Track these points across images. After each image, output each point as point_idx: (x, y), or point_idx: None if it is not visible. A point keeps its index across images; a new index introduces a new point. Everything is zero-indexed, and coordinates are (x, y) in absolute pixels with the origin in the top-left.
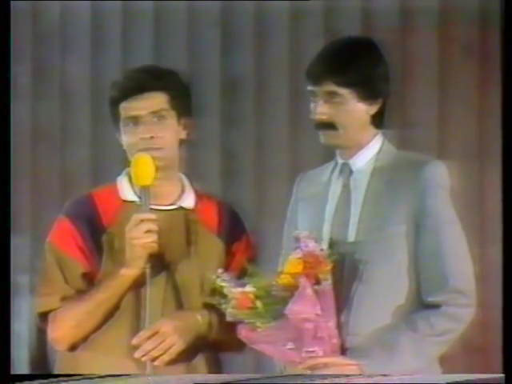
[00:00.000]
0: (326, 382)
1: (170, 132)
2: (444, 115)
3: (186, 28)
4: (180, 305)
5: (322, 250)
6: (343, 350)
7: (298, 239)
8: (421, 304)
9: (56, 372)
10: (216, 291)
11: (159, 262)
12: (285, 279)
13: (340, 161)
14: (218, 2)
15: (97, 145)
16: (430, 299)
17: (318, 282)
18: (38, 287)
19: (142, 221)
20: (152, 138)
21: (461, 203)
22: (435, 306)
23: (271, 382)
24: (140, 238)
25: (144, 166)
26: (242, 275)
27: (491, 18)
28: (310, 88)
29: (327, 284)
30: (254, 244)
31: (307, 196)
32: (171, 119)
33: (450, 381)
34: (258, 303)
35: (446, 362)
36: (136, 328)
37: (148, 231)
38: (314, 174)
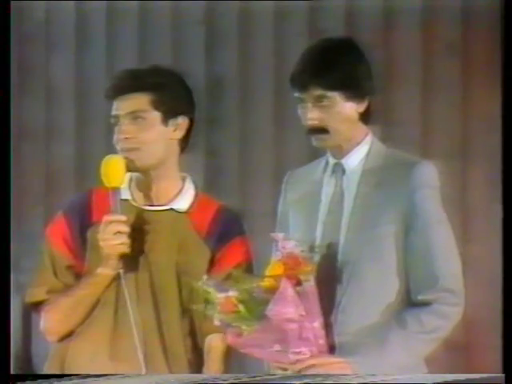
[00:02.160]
0: (323, 382)
1: (150, 133)
2: (427, 114)
3: (171, 27)
4: (156, 305)
5: (302, 251)
6: (332, 349)
7: (276, 241)
8: (410, 303)
9: (47, 364)
10: (200, 297)
11: (139, 262)
12: (267, 282)
13: (332, 160)
14: (202, 1)
15: (82, 144)
16: (420, 297)
17: (299, 283)
18: (32, 278)
19: (111, 222)
20: (126, 138)
21: (443, 201)
22: (425, 304)
23: (269, 383)
24: (108, 240)
25: (113, 168)
26: (226, 281)
27: (474, 17)
28: (296, 95)
29: (309, 285)
30: (247, 249)
31: (298, 196)
32: (153, 120)
33: (449, 380)
34: (241, 307)
35: (431, 360)
36: (115, 325)
37: (117, 233)
38: (304, 173)
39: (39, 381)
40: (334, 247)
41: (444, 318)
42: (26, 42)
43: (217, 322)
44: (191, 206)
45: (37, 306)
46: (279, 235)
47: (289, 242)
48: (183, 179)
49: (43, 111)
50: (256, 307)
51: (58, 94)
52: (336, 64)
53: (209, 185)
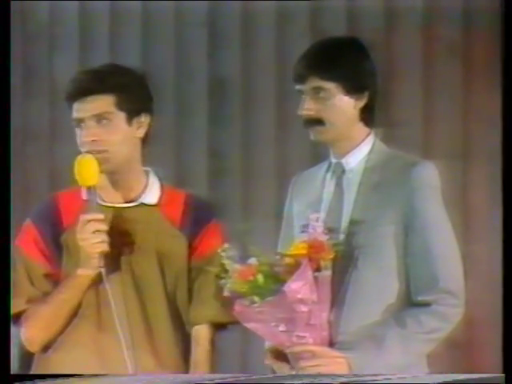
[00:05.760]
0: (322, 382)
1: (116, 134)
2: (428, 114)
3: (173, 28)
4: (141, 300)
5: (329, 238)
6: (331, 345)
7: (310, 220)
8: (410, 303)
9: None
10: (218, 264)
11: (120, 260)
12: (288, 260)
13: (333, 160)
14: (204, 2)
15: None
16: (420, 298)
17: (318, 268)
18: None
19: (88, 221)
20: (94, 141)
21: (444, 202)
22: (425, 305)
23: (268, 382)
24: (88, 239)
25: (87, 167)
26: (204, 264)
27: (476, 18)
28: (297, 87)
29: (327, 274)
30: (221, 233)
31: (303, 197)
32: (118, 121)
33: (449, 380)
34: (260, 276)
35: (432, 359)
36: (98, 325)
37: (96, 231)
38: (309, 174)
39: (26, 382)
40: (334, 247)
41: (443, 320)
42: (30, 43)
43: (227, 293)
44: (160, 199)
45: (17, 317)
46: (316, 215)
47: (320, 226)
48: (146, 173)
49: (47, 112)
50: (274, 280)
51: (61, 95)
52: (335, 57)
53: (211, 185)
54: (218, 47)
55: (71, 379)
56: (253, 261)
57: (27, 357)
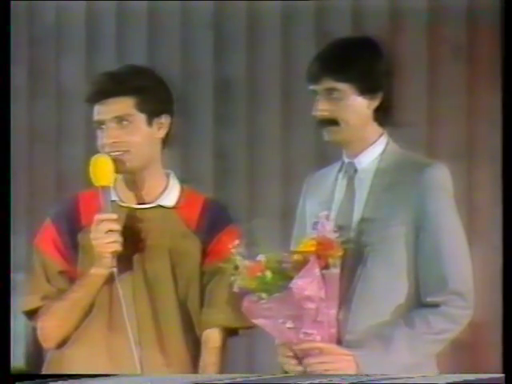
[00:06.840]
0: (324, 381)
1: (137, 135)
2: (433, 115)
3: (180, 29)
4: (152, 301)
5: (337, 236)
6: (339, 343)
7: (319, 218)
8: (419, 304)
9: (44, 371)
10: (229, 261)
11: (133, 261)
12: (296, 257)
13: (346, 160)
14: (210, 3)
15: (92, 145)
16: (429, 299)
17: (327, 265)
18: (24, 286)
19: (102, 221)
20: (115, 143)
21: None
22: (434, 306)
23: (271, 383)
24: (100, 239)
25: (102, 167)
26: (216, 271)
27: (481, 19)
28: (310, 88)
29: (335, 271)
30: (237, 238)
31: (316, 197)
32: (138, 122)
33: (449, 381)
34: (268, 272)
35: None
36: (110, 324)
37: (109, 231)
38: (322, 174)
39: (37, 381)
40: (344, 246)
41: (452, 321)
42: (37, 45)
43: (236, 289)
44: (178, 202)
45: (32, 313)
46: (325, 213)
47: (329, 223)
48: (167, 176)
49: (54, 113)
50: (282, 277)
51: (68, 96)
52: (349, 58)
53: (217, 186)
54: (224, 48)
55: (81, 379)
56: (261, 257)
57: (36, 355)
